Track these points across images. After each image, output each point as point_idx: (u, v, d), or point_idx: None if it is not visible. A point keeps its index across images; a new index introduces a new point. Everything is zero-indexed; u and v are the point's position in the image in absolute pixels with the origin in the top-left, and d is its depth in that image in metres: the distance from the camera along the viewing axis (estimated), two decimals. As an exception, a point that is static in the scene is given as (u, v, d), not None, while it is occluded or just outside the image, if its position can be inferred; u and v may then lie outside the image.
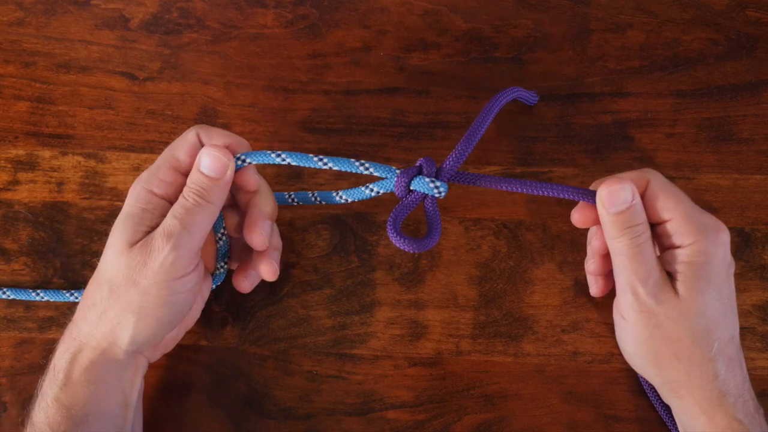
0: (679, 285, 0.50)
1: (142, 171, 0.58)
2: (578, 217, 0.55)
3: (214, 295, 0.60)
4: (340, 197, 0.54)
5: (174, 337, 0.57)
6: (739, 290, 0.59)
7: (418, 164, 0.51)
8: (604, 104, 0.61)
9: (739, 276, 0.59)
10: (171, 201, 0.52)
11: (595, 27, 0.63)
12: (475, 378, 0.59)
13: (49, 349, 0.59)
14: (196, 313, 0.57)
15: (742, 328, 0.59)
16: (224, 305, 0.60)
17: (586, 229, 0.60)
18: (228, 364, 0.59)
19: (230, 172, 0.52)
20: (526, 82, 0.61)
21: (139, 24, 0.64)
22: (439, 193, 0.51)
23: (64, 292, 0.60)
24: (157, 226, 0.51)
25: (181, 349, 0.60)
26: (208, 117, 0.62)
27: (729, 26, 0.62)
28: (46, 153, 0.62)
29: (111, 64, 0.64)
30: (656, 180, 0.51)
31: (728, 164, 0.61)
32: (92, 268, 0.59)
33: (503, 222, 0.60)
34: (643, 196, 0.52)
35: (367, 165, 0.51)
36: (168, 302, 0.51)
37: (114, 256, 0.50)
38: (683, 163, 0.61)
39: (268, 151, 0.52)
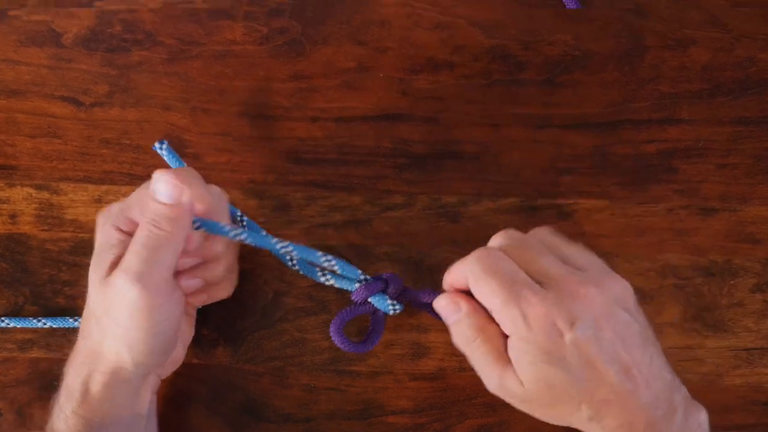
0: (519, 372, 0.48)
1: (105, 203, 0.53)
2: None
3: (202, 318, 0.55)
4: (292, 263, 0.50)
5: (179, 353, 0.55)
6: (766, 315, 0.54)
7: (384, 277, 0.50)
8: (650, 132, 0.51)
9: None
10: None
11: (652, 43, 0.50)
12: (478, 389, 0.54)
13: (32, 368, 0.55)
14: (190, 329, 0.55)
15: (761, 349, 0.55)
16: (213, 327, 0.56)
17: (609, 260, 0.53)
18: (223, 379, 0.57)
19: (186, 198, 0.47)
20: (558, 108, 0.50)
21: (74, 40, 0.51)
22: (395, 311, 0.51)
23: (68, 318, 0.55)
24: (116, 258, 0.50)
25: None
26: (174, 147, 0.50)
27: None
28: None
29: (47, 88, 0.52)
30: (471, 275, 0.48)
31: None
32: (65, 296, 0.55)
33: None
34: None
35: (333, 262, 0.48)
36: (152, 333, 0.49)
37: (92, 292, 0.50)
38: (730, 195, 0.53)
39: (226, 226, 0.46)
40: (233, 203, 0.53)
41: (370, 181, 0.54)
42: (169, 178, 0.48)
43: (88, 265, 0.52)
